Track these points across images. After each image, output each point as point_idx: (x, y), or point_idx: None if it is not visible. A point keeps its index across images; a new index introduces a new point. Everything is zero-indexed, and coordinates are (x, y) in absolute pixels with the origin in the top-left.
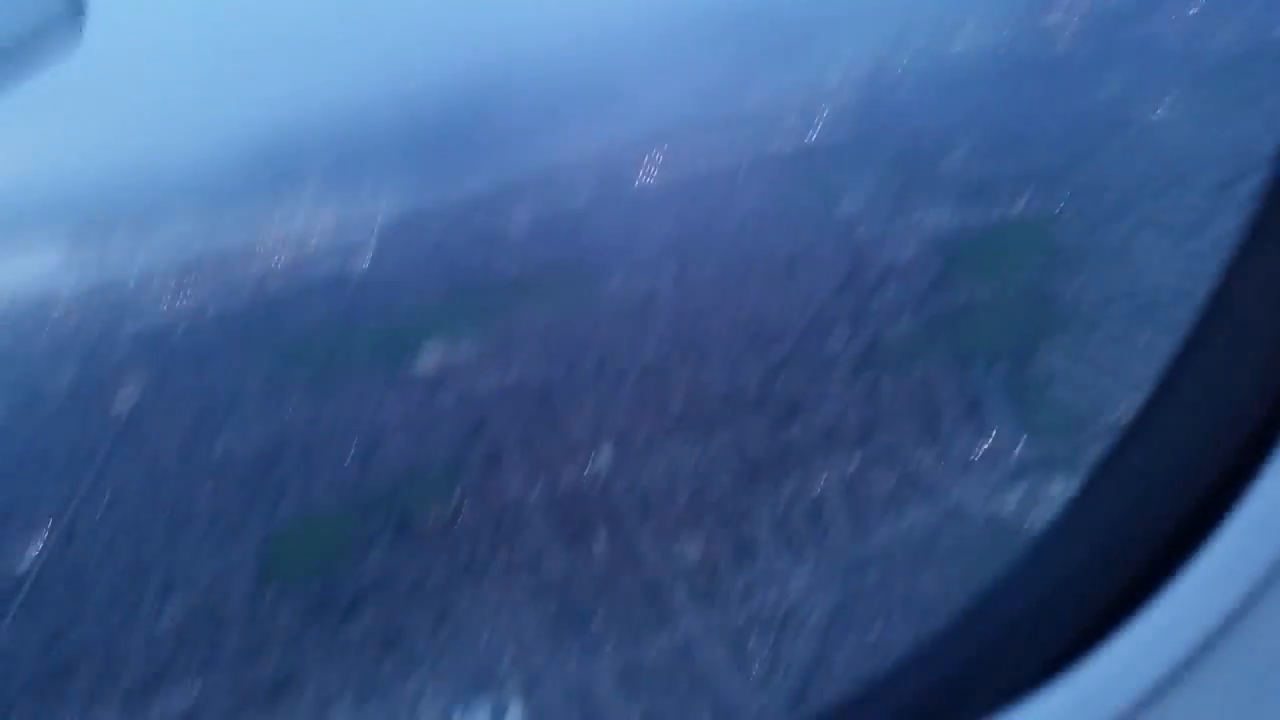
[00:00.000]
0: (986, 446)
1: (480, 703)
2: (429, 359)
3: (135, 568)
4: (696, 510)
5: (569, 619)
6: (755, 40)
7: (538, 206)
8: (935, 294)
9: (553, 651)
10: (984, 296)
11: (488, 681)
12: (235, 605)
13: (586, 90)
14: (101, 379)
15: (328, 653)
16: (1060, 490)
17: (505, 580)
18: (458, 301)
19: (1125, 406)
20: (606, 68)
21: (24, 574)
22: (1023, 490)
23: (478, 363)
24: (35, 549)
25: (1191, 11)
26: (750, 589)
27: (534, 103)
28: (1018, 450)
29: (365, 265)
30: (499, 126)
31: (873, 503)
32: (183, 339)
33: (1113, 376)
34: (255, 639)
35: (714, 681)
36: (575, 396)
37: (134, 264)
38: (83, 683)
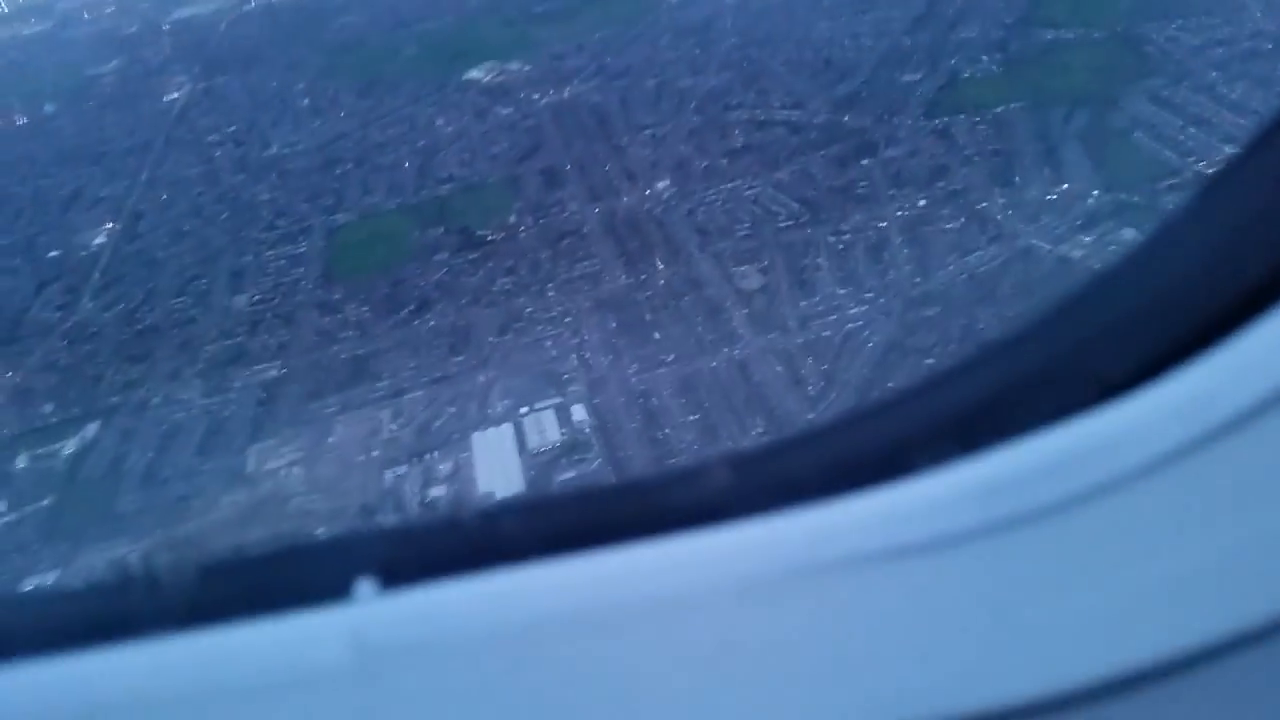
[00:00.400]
0: (1060, 191)
1: (546, 401)
2: (482, 71)
3: (203, 255)
4: (757, 240)
5: (629, 331)
6: None
7: None
8: (1018, 34)
9: (614, 359)
10: (1070, 38)
11: (552, 383)
12: (305, 295)
13: None
14: (148, 69)
15: (398, 344)
16: (1133, 238)
17: (566, 291)
18: (508, 11)
19: (1208, 158)
20: None
21: (95, 255)
22: (1095, 236)
23: (531, 78)
24: (101, 235)
25: None
26: (808, 316)
27: None
28: (1092, 197)
29: None
30: None
31: (937, 242)
32: (226, 31)
33: (1199, 126)
34: (327, 327)
35: (770, 395)
36: (633, 119)
37: None
38: (164, 356)
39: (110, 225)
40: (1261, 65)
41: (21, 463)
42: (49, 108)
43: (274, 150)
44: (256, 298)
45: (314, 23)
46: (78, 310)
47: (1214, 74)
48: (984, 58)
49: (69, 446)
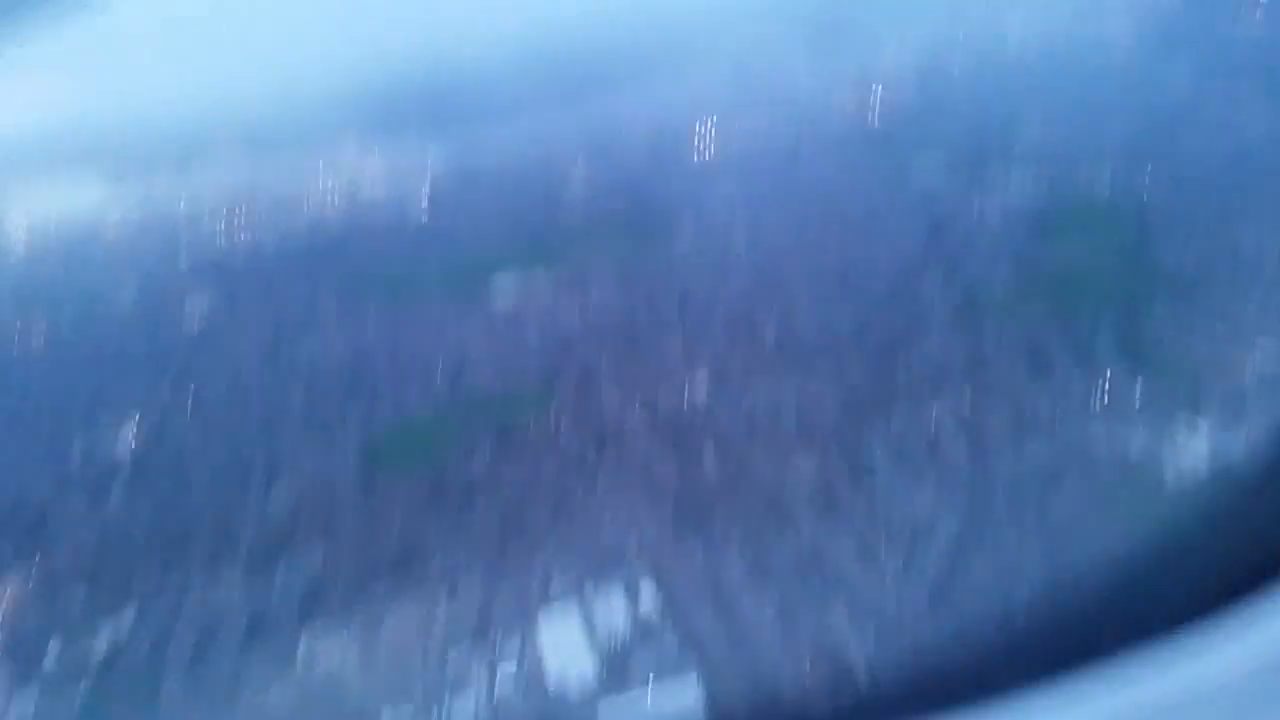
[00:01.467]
0: (1104, 386)
1: (612, 582)
2: (505, 292)
3: (234, 458)
4: (805, 434)
5: (687, 518)
6: (802, 21)
7: (596, 168)
8: (1031, 250)
9: (676, 544)
10: (1083, 254)
11: (614, 565)
12: (346, 490)
13: (638, 60)
14: (167, 296)
15: (448, 532)
16: (1182, 433)
17: (617, 481)
18: (526, 243)
19: (1248, 355)
20: (658, 39)
21: (120, 461)
22: (1147, 431)
23: (555, 296)
24: (127, 441)
25: (1256, 10)
26: (872, 504)
27: (583, 69)
28: (1138, 391)
29: (424, 213)
30: (548, 92)
31: (990, 435)
32: (245, 266)
33: (1228, 324)
34: (371, 519)
35: (848, 581)
36: (661, 328)
37: (181, 200)
38: (200, 554)
39: (134, 434)
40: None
41: (52, 658)
42: (66, 328)
43: (302, 363)
44: (294, 495)
45: (333, 259)
46: (107, 505)
47: (1229, 287)
48: (998, 275)
49: (104, 640)
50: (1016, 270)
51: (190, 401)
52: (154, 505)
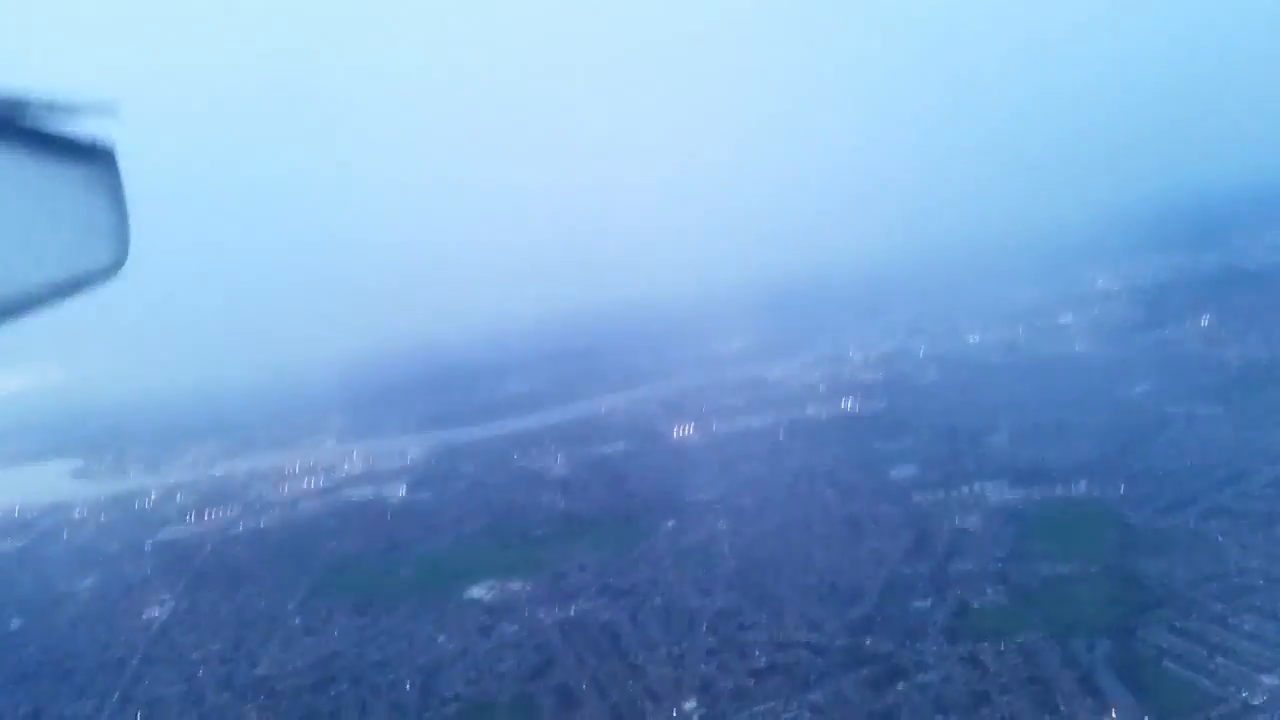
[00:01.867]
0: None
1: None
2: (483, 589)
3: None
4: None
5: None
6: (778, 319)
7: (575, 451)
8: (1016, 565)
9: None
10: (1066, 571)
11: None
12: None
13: (618, 350)
14: (129, 585)
15: None
16: None
17: None
18: (505, 534)
19: (1247, 686)
20: (637, 330)
21: None
22: None
23: (535, 597)
24: None
25: (1203, 321)
26: None
27: (561, 357)
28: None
29: (401, 493)
30: (530, 379)
31: None
32: (212, 552)
33: (1226, 655)
34: None
35: None
36: (645, 637)
37: (153, 479)
38: None
39: None
40: (1260, 597)
41: None
42: (15, 623)
43: (261, 670)
44: None
45: (304, 544)
46: None
47: (1219, 606)
48: (988, 589)
49: None
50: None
51: (140, 713)
52: None
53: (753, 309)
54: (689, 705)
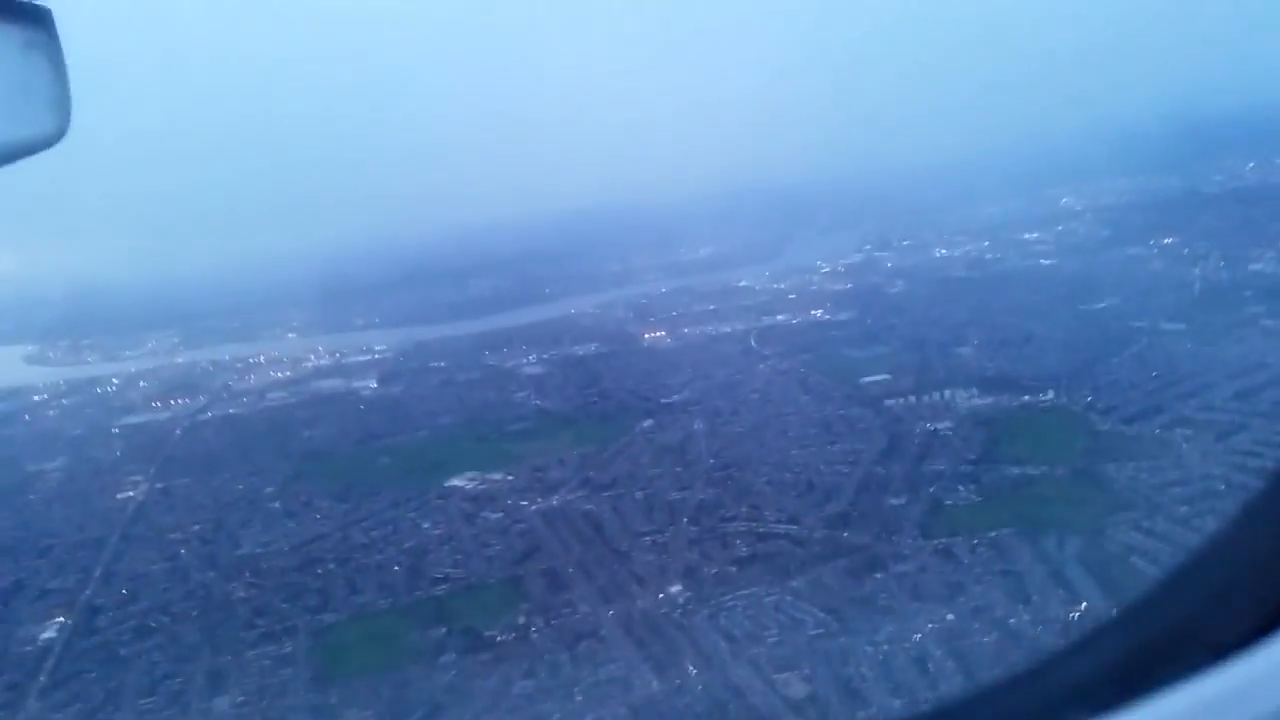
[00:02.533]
0: (1081, 610)
1: None
2: (463, 480)
3: (174, 653)
4: (790, 647)
5: None
6: (746, 228)
7: (546, 351)
8: (986, 467)
9: None
10: (1036, 474)
11: None
12: (296, 699)
13: (584, 254)
14: (99, 468)
15: None
16: None
17: (595, 697)
18: (481, 428)
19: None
20: (603, 236)
21: (44, 650)
22: None
23: (516, 487)
24: (50, 629)
25: (1166, 241)
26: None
27: (527, 259)
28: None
29: (372, 386)
30: (495, 280)
31: (976, 656)
32: (182, 437)
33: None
34: None
35: None
36: (628, 526)
37: (112, 366)
38: None
39: (61, 619)
40: (1223, 502)
41: None
42: None
43: (245, 550)
44: (241, 700)
45: (277, 433)
46: (22, 711)
47: (1183, 508)
48: (959, 488)
49: None
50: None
51: (122, 590)
52: (74, 716)
53: (719, 217)
54: (674, 589)
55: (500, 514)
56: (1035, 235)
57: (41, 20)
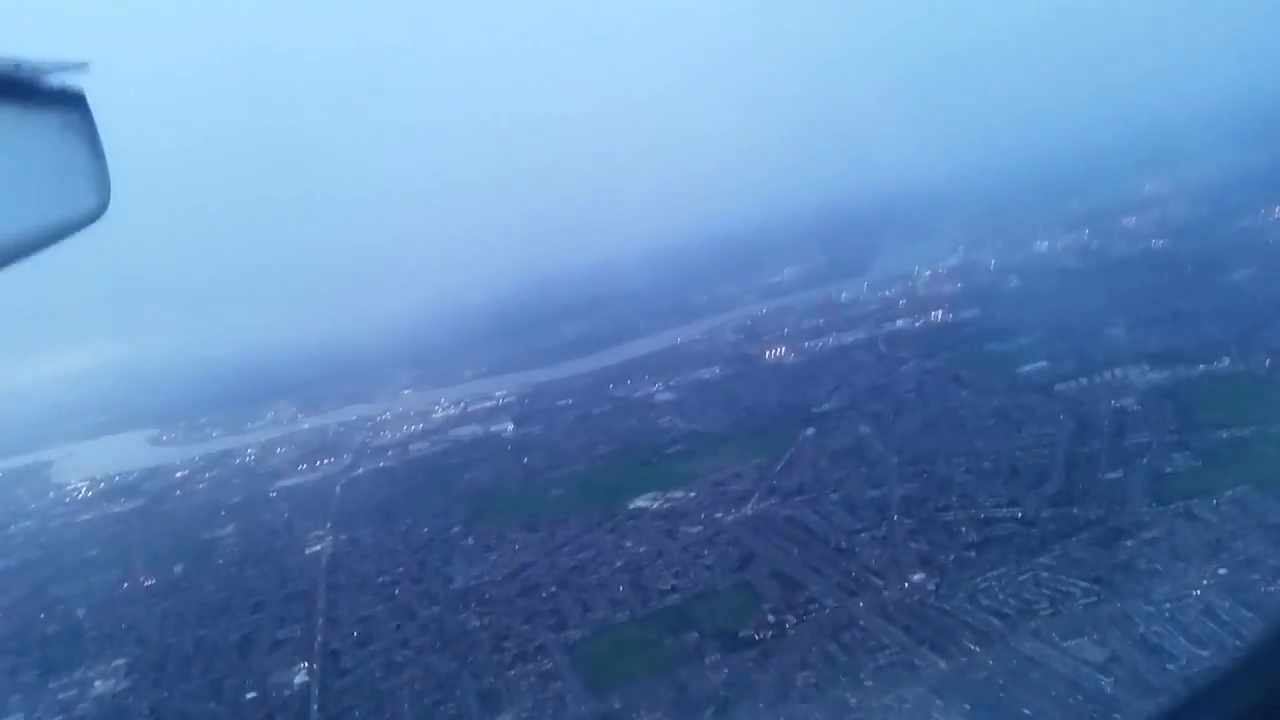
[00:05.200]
0: None
1: None
2: (647, 500)
3: (434, 682)
4: (1069, 617)
5: (989, 710)
6: (824, 246)
7: (670, 378)
8: (1193, 434)
9: None
10: (1248, 434)
11: None
12: (581, 709)
13: (667, 289)
14: (274, 529)
15: None
16: None
17: (887, 680)
18: (639, 454)
19: None
20: (678, 270)
21: (301, 692)
22: None
23: (703, 502)
24: (300, 674)
25: (1276, 214)
26: (1184, 675)
27: (610, 300)
28: None
29: (510, 429)
30: (584, 323)
31: (1270, 604)
32: (344, 493)
33: None
34: None
35: None
36: (837, 526)
37: (240, 439)
38: None
39: (304, 664)
40: None
41: None
42: (178, 568)
43: (460, 583)
44: (525, 715)
45: (437, 479)
46: None
47: None
48: (1174, 456)
49: None
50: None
51: (355, 635)
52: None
53: (791, 239)
54: (917, 577)
55: (699, 527)
56: (1134, 221)
57: (76, 103)
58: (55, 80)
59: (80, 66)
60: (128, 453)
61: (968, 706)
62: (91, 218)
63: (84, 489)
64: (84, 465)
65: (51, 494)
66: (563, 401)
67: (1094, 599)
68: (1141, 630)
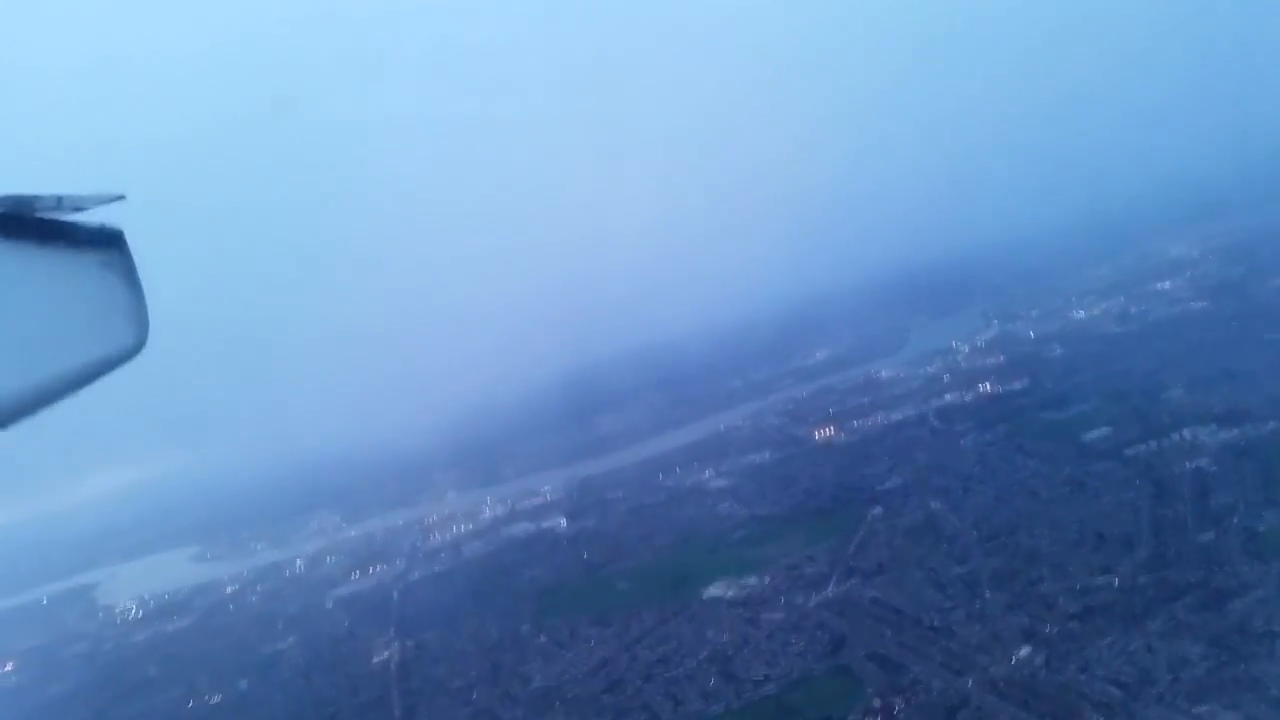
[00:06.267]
0: None
1: None
2: (720, 588)
3: None
4: (1189, 683)
5: None
6: (852, 327)
7: (720, 464)
8: (1275, 503)
9: None
10: None
11: None
12: None
13: (699, 378)
14: (336, 638)
15: None
16: None
17: None
18: (703, 542)
19: None
20: (705, 360)
21: None
22: None
23: (779, 588)
24: None
25: None
26: None
27: (644, 390)
28: None
29: (563, 524)
30: (622, 415)
31: None
32: (403, 599)
33: None
34: None
35: None
36: (926, 604)
37: (286, 551)
38: None
39: None
40: None
41: None
42: (242, 683)
43: (539, 683)
44: None
45: (497, 578)
46: None
47: None
48: (1265, 515)
49: None
50: None
51: None
52: None
53: (817, 321)
54: (1024, 651)
55: (781, 613)
56: (1168, 284)
57: (115, 242)
58: (95, 221)
59: (118, 198)
60: (172, 571)
61: None
62: (130, 354)
63: (133, 609)
64: (129, 585)
65: (100, 615)
66: (613, 494)
67: (1214, 662)
68: (1274, 692)
